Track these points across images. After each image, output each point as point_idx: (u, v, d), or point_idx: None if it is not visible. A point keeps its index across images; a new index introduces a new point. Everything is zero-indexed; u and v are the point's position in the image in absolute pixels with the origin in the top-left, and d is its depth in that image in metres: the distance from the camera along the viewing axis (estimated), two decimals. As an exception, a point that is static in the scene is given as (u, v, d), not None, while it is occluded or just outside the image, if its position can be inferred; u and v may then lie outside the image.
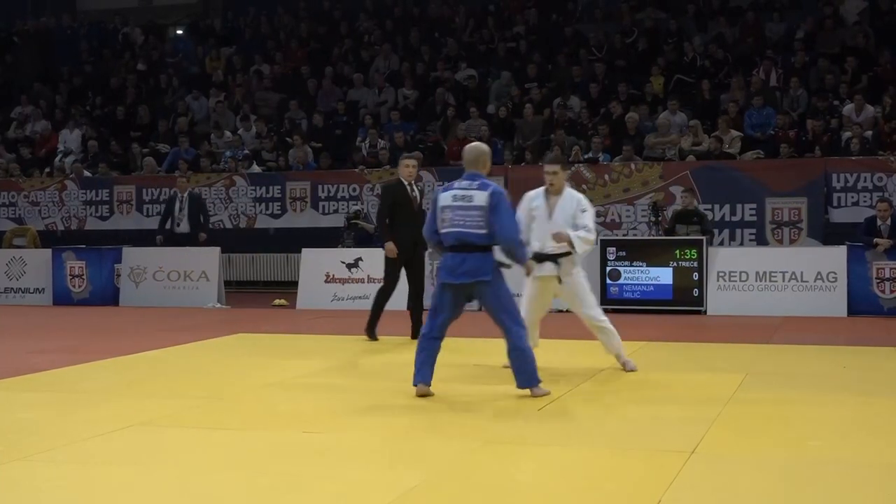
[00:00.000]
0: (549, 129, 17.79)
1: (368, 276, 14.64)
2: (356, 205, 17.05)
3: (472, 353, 9.57)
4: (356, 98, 20.53)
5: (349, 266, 14.87)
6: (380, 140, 18.56)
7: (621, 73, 19.16)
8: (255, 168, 18.54)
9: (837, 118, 16.72)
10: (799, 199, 15.52)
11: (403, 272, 11.05)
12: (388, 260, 10.95)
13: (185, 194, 16.34)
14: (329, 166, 18.20)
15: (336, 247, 15.76)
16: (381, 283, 11.17)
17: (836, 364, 9.16)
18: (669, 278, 13.50)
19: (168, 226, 16.32)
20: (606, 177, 16.18)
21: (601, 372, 8.60)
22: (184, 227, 16.21)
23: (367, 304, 14.24)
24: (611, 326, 8.48)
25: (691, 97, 18.23)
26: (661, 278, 13.39)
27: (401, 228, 10.81)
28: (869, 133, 16.17)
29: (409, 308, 11.09)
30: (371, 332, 10.98)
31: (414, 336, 10.82)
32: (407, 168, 10.98)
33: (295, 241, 16.61)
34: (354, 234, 15.80)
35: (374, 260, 14.83)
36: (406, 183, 10.95)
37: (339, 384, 8.32)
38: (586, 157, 16.59)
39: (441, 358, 8.27)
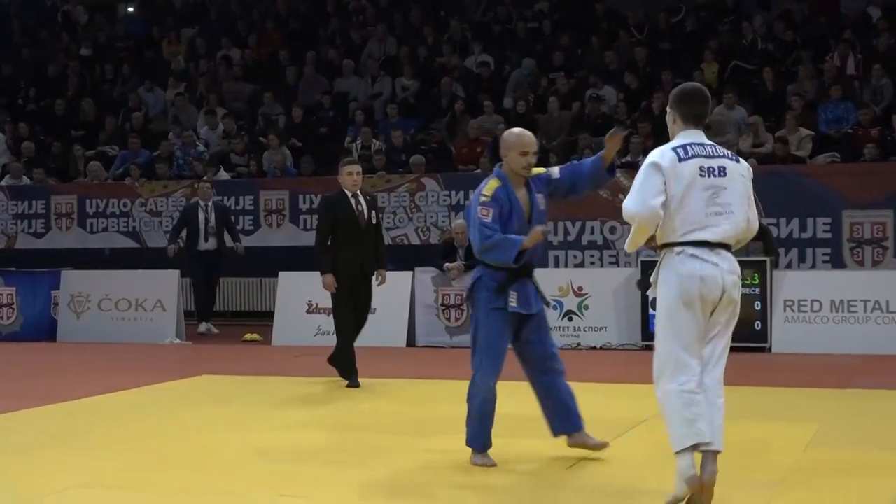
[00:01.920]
0: (579, 127, 17.81)
1: (360, 305, 14.64)
2: (345, 219, 17.04)
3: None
4: (345, 89, 20.58)
5: (336, 293, 14.84)
6: (374, 140, 18.59)
7: (666, 59, 19.18)
8: (223, 174, 18.58)
9: (931, 113, 16.74)
10: (883, 211, 15.49)
11: None
12: (335, 294, 10.84)
13: (210, 203, 16.43)
14: (312, 172, 18.22)
15: (320, 270, 15.77)
16: (334, 322, 11.09)
17: (930, 413, 9.13)
18: (726, 308, 13.48)
19: (180, 240, 16.47)
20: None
21: (644, 422, 8.57)
22: (212, 242, 16.33)
23: (359, 340, 14.31)
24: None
25: (751, 88, 18.23)
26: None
27: (345, 251, 10.74)
28: (968, 132, 16.19)
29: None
30: (351, 378, 10.88)
31: (343, 376, 10.88)
32: (350, 176, 10.88)
33: (270, 262, 16.61)
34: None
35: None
36: (350, 195, 10.86)
37: (323, 437, 8.31)
38: (624, 160, 16.59)
39: (451, 408, 8.31)
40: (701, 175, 5.93)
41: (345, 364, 10.92)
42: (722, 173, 5.97)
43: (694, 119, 6.11)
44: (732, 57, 18.86)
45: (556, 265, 16.21)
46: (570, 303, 14.21)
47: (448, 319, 14.53)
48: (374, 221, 10.94)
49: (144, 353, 14.26)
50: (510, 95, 19.38)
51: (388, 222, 17.33)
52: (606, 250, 16.31)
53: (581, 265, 16.19)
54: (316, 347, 14.29)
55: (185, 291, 16.62)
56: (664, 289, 5.96)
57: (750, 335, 13.43)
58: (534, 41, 20.54)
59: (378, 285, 11.21)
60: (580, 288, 14.23)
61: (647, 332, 13.77)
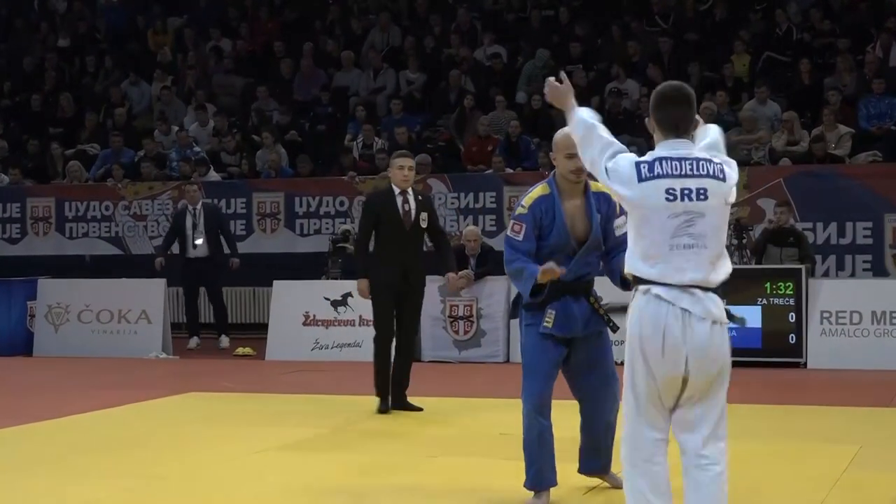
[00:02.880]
0: (599, 124, 17.79)
1: (361, 316, 14.61)
2: (345, 223, 17.07)
3: (495, 421, 9.57)
4: (345, 83, 20.60)
5: (335, 304, 14.87)
6: (376, 138, 18.61)
7: (693, 51, 19.19)
8: (213, 175, 18.60)
9: (981, 107, 16.76)
10: (929, 215, 15.53)
11: None
12: (374, 300, 10.50)
13: (199, 207, 16.48)
14: (309, 173, 18.24)
15: (318, 278, 15.78)
16: (374, 334, 10.66)
17: (980, 434, 9.12)
18: (758, 320, 13.48)
19: (173, 247, 16.48)
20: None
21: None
22: (202, 249, 16.31)
23: (359, 354, 14.31)
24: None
25: (786, 82, 18.23)
26: (747, 320, 13.33)
27: (387, 254, 10.36)
28: None
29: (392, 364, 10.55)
30: (382, 400, 10.47)
31: (394, 404, 10.43)
32: (401, 171, 10.39)
33: (264, 270, 16.62)
34: (342, 262, 15.80)
35: (368, 296, 14.83)
36: (398, 191, 10.42)
37: (322, 460, 8.33)
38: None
39: (458, 429, 8.28)
40: (668, 199, 5.17)
41: (377, 382, 10.51)
42: (702, 196, 5.19)
43: (672, 127, 5.31)
44: (765, 48, 18.87)
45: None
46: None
47: (456, 332, 14.53)
48: (423, 224, 10.41)
49: (128, 369, 14.26)
50: (523, 89, 19.40)
51: (392, 227, 17.31)
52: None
53: (601, 274, 16.15)
54: (313, 362, 14.34)
55: (172, 302, 16.65)
56: (627, 334, 5.28)
57: (784, 349, 13.44)
58: (549, 31, 20.56)
59: (454, 290, 10.87)
60: (600, 298, 14.20)
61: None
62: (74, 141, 20.58)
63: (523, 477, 6.87)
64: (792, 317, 13.49)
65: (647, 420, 5.27)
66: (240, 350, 15.56)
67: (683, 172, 5.20)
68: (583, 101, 20.13)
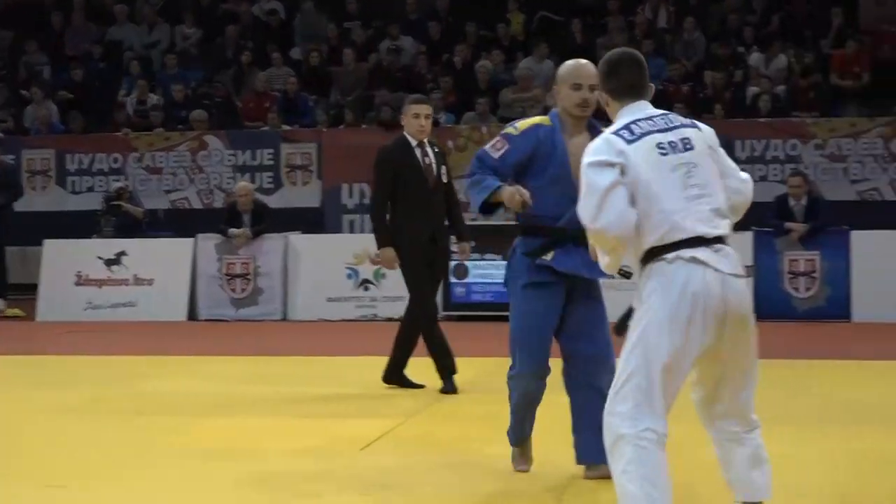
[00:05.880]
0: (377, 82, 17.91)
1: (135, 275, 14.50)
2: (118, 181, 16.84)
3: (270, 380, 9.58)
4: (118, 37, 20.22)
5: (109, 262, 14.71)
6: (151, 94, 18.37)
7: (470, 9, 19.40)
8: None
9: (743, 69, 17.36)
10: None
11: None
12: (404, 265, 9.27)
13: None
14: (82, 129, 17.92)
15: (90, 237, 15.55)
16: (407, 303, 9.53)
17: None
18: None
19: None
20: (451, 143, 16.34)
21: (425, 409, 8.69)
22: None
23: (134, 314, 14.19)
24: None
25: (560, 41, 18.59)
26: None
27: (411, 216, 9.18)
28: (781, 88, 16.84)
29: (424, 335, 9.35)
30: (446, 379, 9.20)
31: (444, 383, 9.19)
32: (417, 120, 9.22)
33: (34, 229, 16.26)
34: (116, 221, 15.61)
35: (142, 254, 14.69)
36: (414, 143, 9.29)
37: (97, 422, 8.23)
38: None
39: (236, 387, 8.27)
40: (662, 153, 4.89)
41: (439, 357, 9.27)
42: (688, 146, 4.94)
43: (628, 89, 5.08)
44: (539, 7, 19.21)
45: (352, 230, 16.27)
46: (367, 271, 14.29)
47: (233, 290, 14.48)
48: (444, 179, 9.38)
49: None
50: (301, 46, 19.36)
51: (167, 185, 17.15)
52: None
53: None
54: (87, 323, 14.14)
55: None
56: (655, 300, 4.79)
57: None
58: (327, -14, 20.53)
59: (465, 259, 10.08)
60: (377, 255, 14.33)
61: (451, 303, 13.96)
62: None
63: (295, 435, 6.91)
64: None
65: (666, 396, 4.80)
66: (8, 311, 15.28)
67: (662, 127, 4.96)
68: (361, 58, 19.89)
